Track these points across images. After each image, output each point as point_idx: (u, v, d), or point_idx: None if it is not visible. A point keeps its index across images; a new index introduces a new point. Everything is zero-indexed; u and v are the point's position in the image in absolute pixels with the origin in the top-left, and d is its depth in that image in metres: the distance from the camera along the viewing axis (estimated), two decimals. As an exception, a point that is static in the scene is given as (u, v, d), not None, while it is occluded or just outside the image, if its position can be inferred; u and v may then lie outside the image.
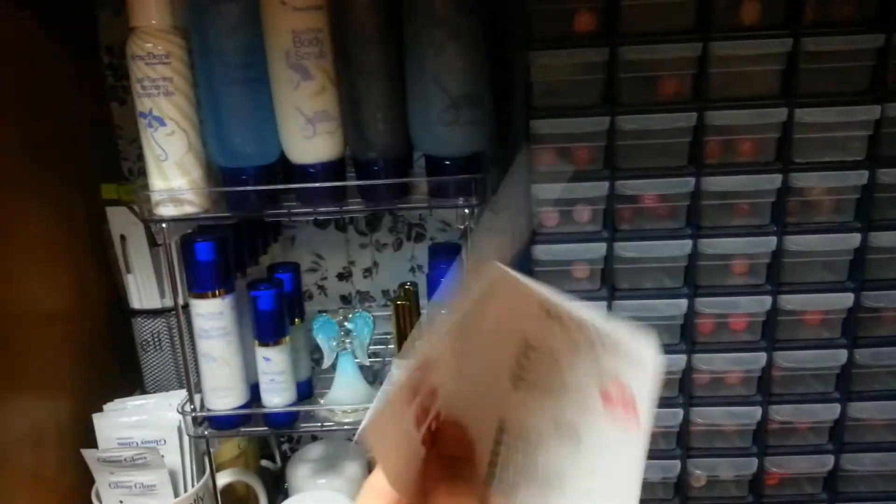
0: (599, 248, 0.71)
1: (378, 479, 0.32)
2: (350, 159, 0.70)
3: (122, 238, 0.83)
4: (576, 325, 0.31)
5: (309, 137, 0.66)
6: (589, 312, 0.31)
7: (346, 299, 0.97)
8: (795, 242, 0.70)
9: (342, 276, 0.96)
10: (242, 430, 0.73)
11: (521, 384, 0.34)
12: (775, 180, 0.68)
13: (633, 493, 0.31)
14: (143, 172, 0.76)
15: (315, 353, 0.80)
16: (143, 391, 0.88)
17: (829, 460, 0.76)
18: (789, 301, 0.72)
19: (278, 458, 0.95)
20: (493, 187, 0.68)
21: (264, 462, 0.94)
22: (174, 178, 0.66)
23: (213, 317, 0.70)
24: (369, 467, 0.89)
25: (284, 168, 0.70)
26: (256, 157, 0.68)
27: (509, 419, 0.35)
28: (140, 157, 0.73)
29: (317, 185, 0.67)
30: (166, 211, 0.67)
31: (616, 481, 0.32)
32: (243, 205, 0.68)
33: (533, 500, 0.34)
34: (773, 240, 0.70)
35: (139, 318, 0.85)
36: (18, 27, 0.73)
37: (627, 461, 0.32)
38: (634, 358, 0.30)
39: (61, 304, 0.80)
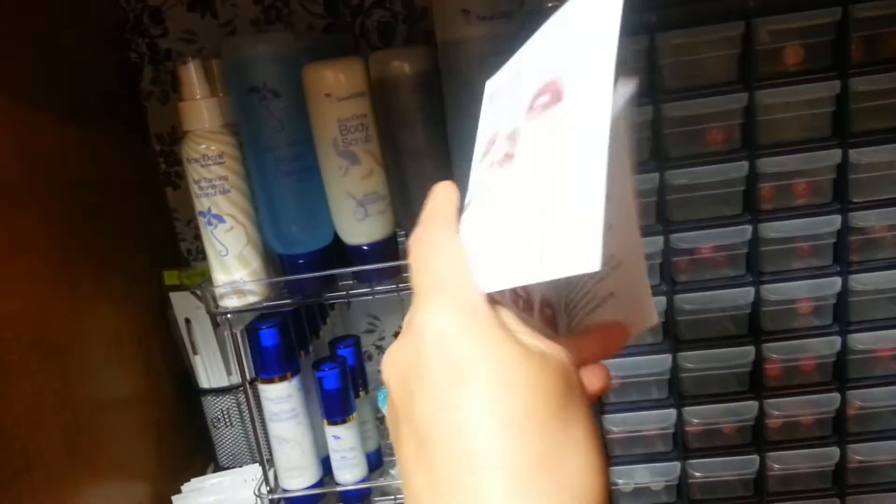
0: (660, 303, 0.70)
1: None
2: (402, 235, 0.71)
3: (187, 321, 0.85)
4: None
5: (361, 219, 0.68)
6: None
7: (405, 357, 0.98)
8: (860, 281, 0.69)
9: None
10: (319, 508, 0.74)
11: None
12: (834, 221, 0.67)
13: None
14: (200, 251, 0.77)
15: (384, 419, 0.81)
16: (217, 465, 0.90)
17: (915, 496, 0.74)
18: (859, 339, 0.70)
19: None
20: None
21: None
22: (235, 270, 0.68)
23: (281, 400, 0.71)
24: None
25: (338, 248, 0.71)
26: (311, 242, 0.69)
27: None
28: (197, 236, 0.75)
29: (373, 266, 0.68)
30: (230, 302, 0.69)
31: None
32: (302, 289, 0.70)
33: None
34: (837, 280, 0.69)
35: (208, 397, 0.87)
36: (77, 130, 0.75)
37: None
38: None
39: (133, 390, 0.82)
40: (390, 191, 0.69)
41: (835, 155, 0.65)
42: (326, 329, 0.84)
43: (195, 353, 0.86)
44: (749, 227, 0.68)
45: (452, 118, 0.65)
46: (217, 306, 0.69)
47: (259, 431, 0.75)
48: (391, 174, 0.69)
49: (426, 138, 0.66)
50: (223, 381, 0.86)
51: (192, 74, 0.66)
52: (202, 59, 0.68)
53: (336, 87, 0.64)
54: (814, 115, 0.65)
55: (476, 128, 0.67)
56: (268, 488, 0.74)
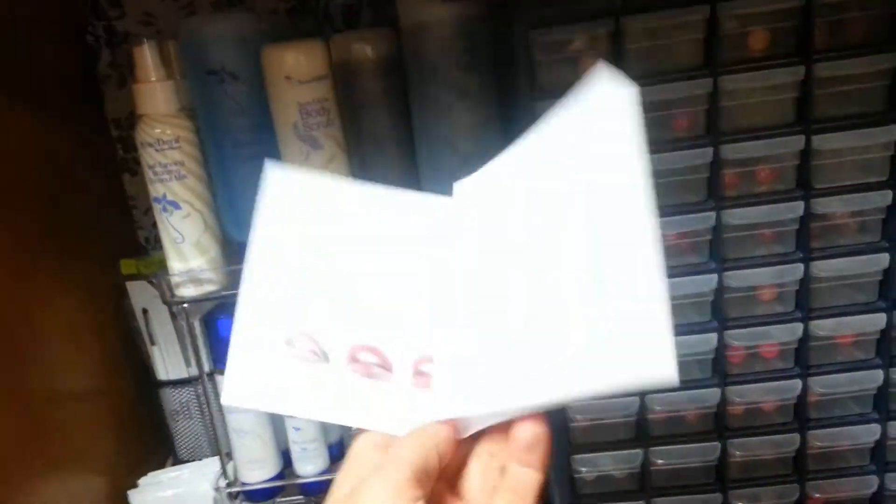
0: (623, 290, 0.70)
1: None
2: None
3: (145, 311, 0.83)
4: None
5: (323, 206, 0.66)
6: None
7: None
8: (822, 268, 0.69)
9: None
10: (278, 500, 0.73)
11: None
12: (797, 208, 0.67)
13: None
14: (159, 240, 0.75)
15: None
16: (177, 458, 0.88)
17: (873, 482, 0.75)
18: (820, 326, 0.71)
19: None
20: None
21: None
22: (192, 258, 0.66)
23: (241, 391, 0.69)
24: None
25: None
26: (272, 229, 0.67)
27: None
28: (155, 225, 0.73)
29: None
30: (187, 292, 0.67)
31: None
32: (263, 277, 0.68)
33: None
34: (799, 267, 0.69)
35: (167, 389, 0.85)
36: (33, 116, 0.73)
37: None
38: None
39: (91, 382, 0.80)
40: (353, 176, 0.67)
41: (798, 141, 0.65)
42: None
43: (153, 343, 0.84)
44: (713, 214, 0.67)
45: (416, 102, 0.64)
46: (173, 296, 0.67)
47: (218, 424, 0.73)
48: (354, 159, 0.67)
49: (390, 123, 0.65)
50: (182, 373, 0.84)
51: (146, 56, 0.64)
52: (158, 40, 0.66)
53: (296, 70, 0.62)
54: (778, 101, 0.65)
55: (441, 112, 0.66)
56: (226, 481, 0.72)
